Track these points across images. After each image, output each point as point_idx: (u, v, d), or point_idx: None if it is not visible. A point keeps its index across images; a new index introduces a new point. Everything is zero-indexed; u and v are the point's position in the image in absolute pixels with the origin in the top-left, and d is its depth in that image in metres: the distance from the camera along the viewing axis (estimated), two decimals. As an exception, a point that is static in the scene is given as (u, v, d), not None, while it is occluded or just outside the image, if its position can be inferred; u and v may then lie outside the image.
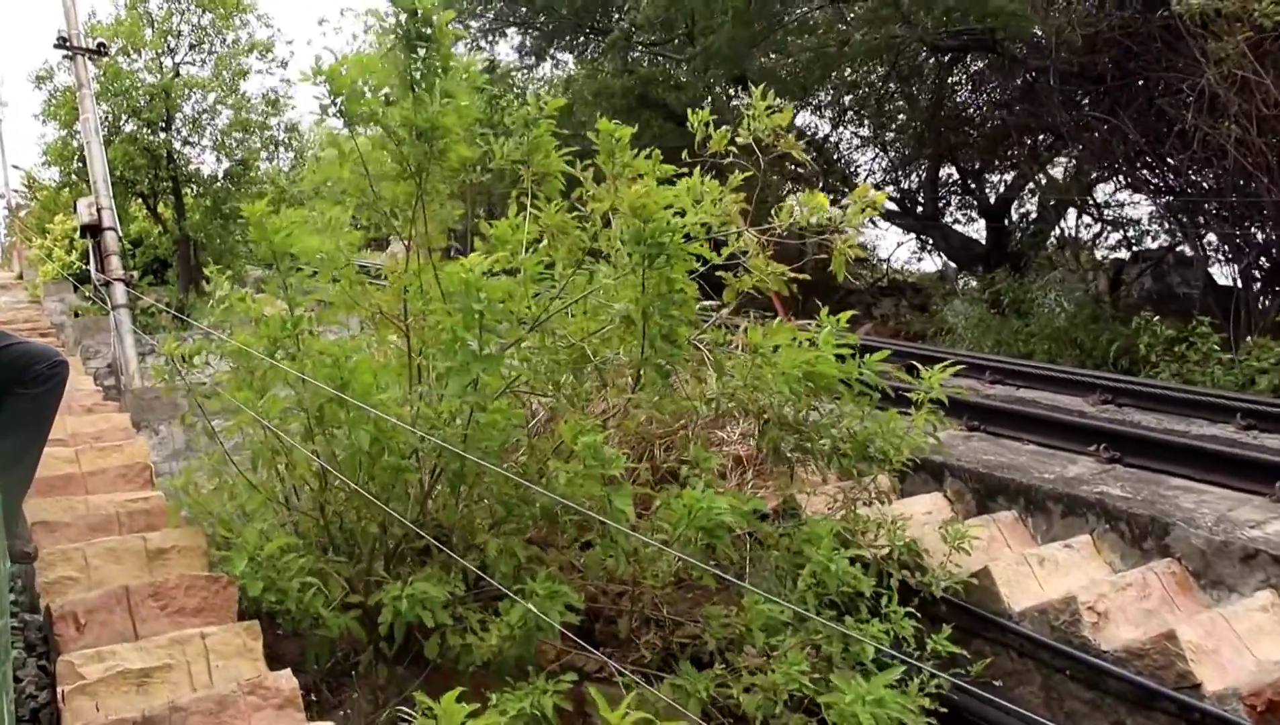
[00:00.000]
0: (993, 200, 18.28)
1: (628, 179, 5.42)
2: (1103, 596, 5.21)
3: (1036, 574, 5.65)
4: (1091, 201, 15.62)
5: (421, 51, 5.19)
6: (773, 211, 5.47)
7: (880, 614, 5.09)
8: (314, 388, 4.64)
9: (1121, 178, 14.24)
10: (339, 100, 5.06)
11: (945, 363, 5.69)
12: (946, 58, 16.87)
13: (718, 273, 5.72)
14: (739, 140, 5.39)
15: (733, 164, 5.67)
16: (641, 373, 5.04)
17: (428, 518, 5.05)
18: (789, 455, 5.67)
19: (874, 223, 20.26)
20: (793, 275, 5.59)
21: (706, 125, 5.38)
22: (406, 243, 5.26)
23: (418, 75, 5.18)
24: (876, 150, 20.54)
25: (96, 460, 6.34)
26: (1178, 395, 8.48)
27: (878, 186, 20.08)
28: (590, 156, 5.68)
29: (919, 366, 5.70)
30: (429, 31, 5.18)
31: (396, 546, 4.99)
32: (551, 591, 4.47)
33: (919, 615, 5.13)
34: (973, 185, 18.55)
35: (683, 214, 5.09)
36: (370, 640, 4.79)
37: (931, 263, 21.86)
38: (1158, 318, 11.37)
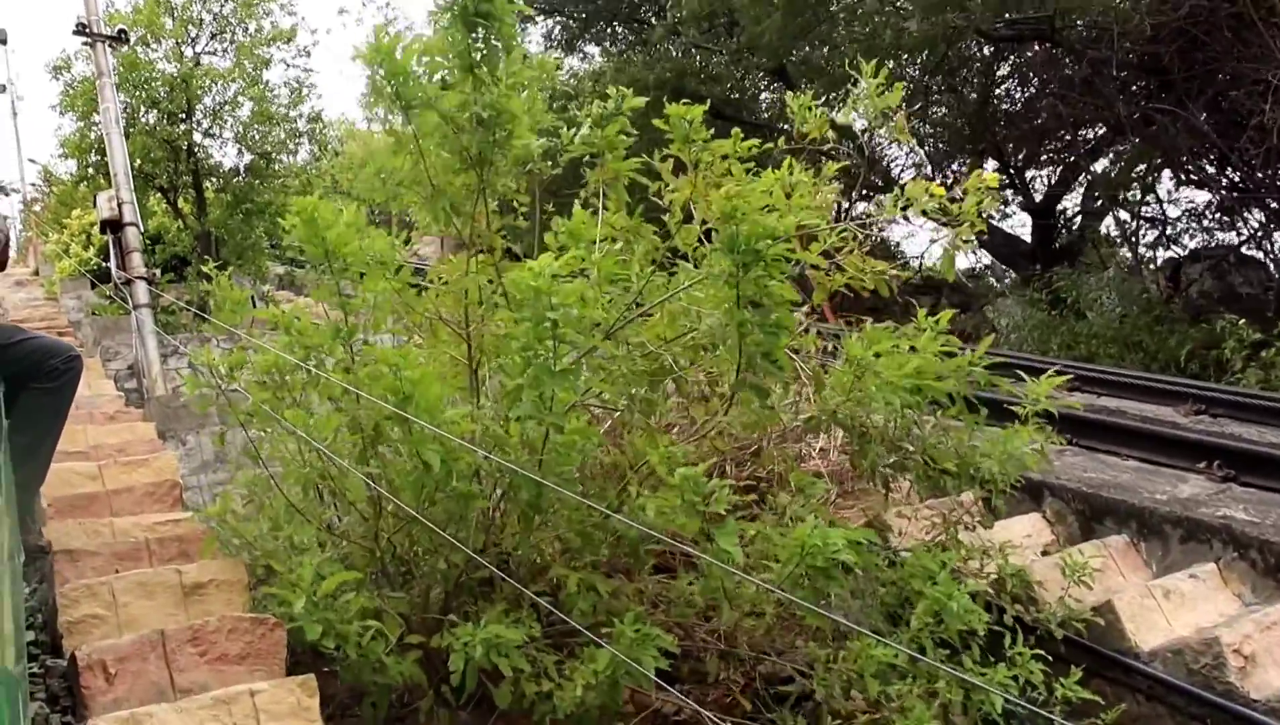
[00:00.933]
0: (1039, 196, 17.66)
1: (707, 165, 4.88)
2: (1247, 637, 4.65)
3: (1162, 607, 5.10)
4: (1152, 197, 15.00)
5: (480, 30, 4.66)
6: (876, 202, 4.91)
7: (1001, 655, 4.55)
8: (369, 403, 4.12)
9: (1183, 173, 13.62)
10: (394, 83, 4.52)
11: (1051, 371, 5.16)
12: (990, 50, 16.30)
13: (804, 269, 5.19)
14: (837, 124, 4.81)
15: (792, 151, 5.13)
16: (735, 394, 4.49)
17: (490, 546, 4.53)
18: (884, 472, 5.13)
19: (905, 218, 19.64)
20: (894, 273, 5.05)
21: (809, 109, 4.79)
22: (466, 241, 4.71)
23: (477, 57, 4.66)
24: (911, 145, 19.92)
25: (121, 476, 5.82)
26: (1283, 406, 7.83)
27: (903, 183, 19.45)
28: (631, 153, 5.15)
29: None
30: (488, 8, 4.64)
31: (459, 578, 4.46)
32: (642, 634, 3.93)
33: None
34: (1017, 181, 17.91)
35: (772, 210, 4.56)
36: (431, 684, 4.26)
37: (966, 260, 21.23)
38: (1242, 321, 10.67)
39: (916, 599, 4.59)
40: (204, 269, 5.61)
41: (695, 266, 4.82)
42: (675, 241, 5.14)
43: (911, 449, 5.03)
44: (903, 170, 20.19)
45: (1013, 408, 5.17)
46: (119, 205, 9.79)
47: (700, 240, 5.00)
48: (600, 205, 5.07)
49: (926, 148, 19.62)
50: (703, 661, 4.78)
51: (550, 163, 5.05)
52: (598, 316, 4.17)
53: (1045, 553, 5.80)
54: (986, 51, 16.68)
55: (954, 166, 19.13)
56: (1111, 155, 15.78)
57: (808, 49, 15.23)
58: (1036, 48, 15.16)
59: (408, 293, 4.63)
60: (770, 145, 4.96)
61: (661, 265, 5.04)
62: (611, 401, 4.95)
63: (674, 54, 17.74)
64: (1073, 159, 16.07)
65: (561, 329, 3.81)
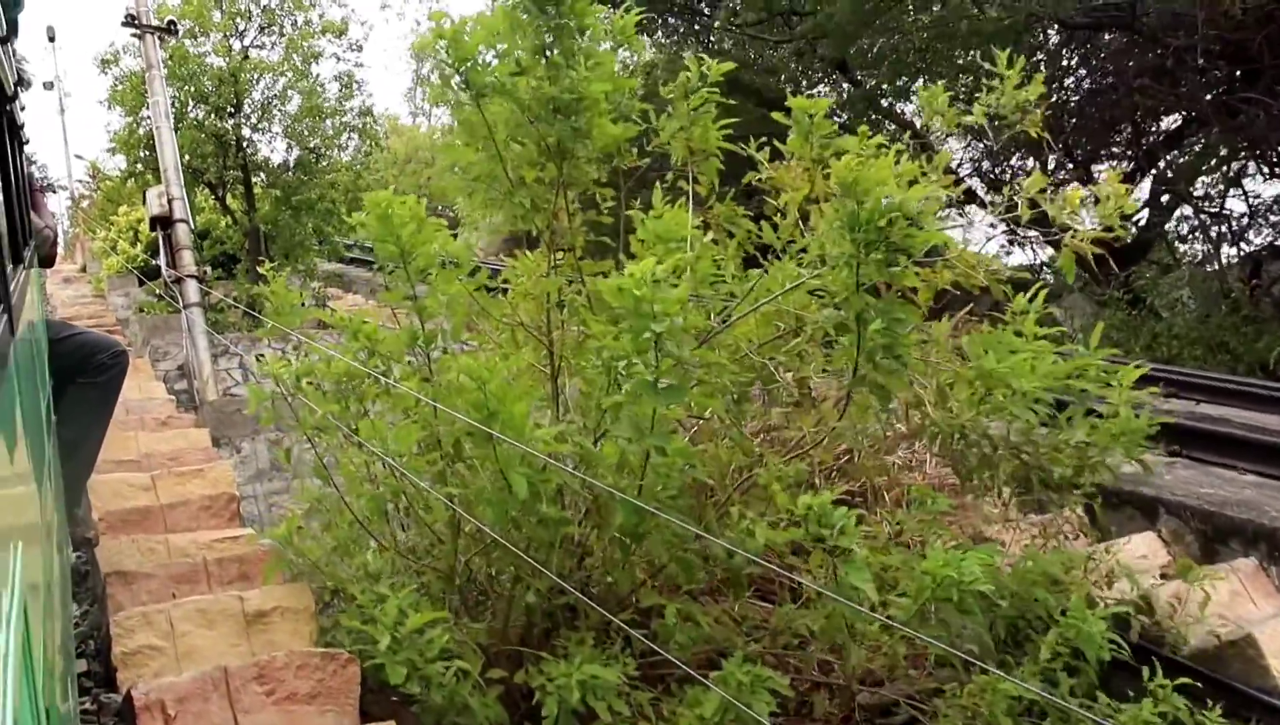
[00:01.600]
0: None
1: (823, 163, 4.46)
2: None
3: (1306, 641, 4.64)
4: (1238, 191, 14.34)
5: (552, 9, 4.27)
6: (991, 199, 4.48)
7: (1121, 685, 4.13)
8: (448, 417, 3.75)
9: (1268, 165, 12.99)
10: (462, 69, 4.14)
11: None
12: (1058, 38, 15.74)
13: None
14: (972, 116, 4.35)
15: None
16: (849, 396, 4.06)
17: (574, 571, 4.16)
18: (996, 484, 4.70)
19: (961, 213, 19.09)
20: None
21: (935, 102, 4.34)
22: (546, 239, 4.34)
23: (549, 39, 4.27)
24: (969, 138, 19.32)
25: (175, 488, 5.50)
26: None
27: (961, 177, 18.91)
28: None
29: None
30: (558, -14, 4.26)
31: (545, 609, 4.09)
32: (754, 676, 3.54)
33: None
34: (1082, 173, 17.28)
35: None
36: (514, 721, 3.90)
37: (1023, 256, 20.59)
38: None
39: (1035, 620, 4.19)
40: (260, 270, 5.39)
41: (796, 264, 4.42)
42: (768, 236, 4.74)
43: (1028, 458, 4.60)
44: (960, 162, 19.64)
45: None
46: (169, 201, 9.51)
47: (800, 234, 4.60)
48: (690, 187, 4.66)
49: (985, 141, 19.01)
50: (798, 688, 4.40)
51: (635, 150, 4.65)
52: (699, 323, 3.78)
53: (1164, 575, 5.35)
54: (1054, 40, 16.12)
55: (1013, 161, 18.55)
56: (1186, 147, 15.11)
57: (877, 38, 14.67)
58: (1106, 36, 14.61)
59: (483, 296, 4.25)
60: (919, 138, 4.54)
61: (749, 260, 4.65)
62: (700, 409, 4.56)
63: (729, 46, 17.26)
64: (1143, 151, 15.42)
65: (666, 341, 3.42)
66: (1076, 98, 15.94)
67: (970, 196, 16.44)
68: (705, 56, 4.58)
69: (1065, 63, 15.80)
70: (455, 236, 4.31)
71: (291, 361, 5.25)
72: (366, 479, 4.13)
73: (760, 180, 4.76)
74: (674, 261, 3.45)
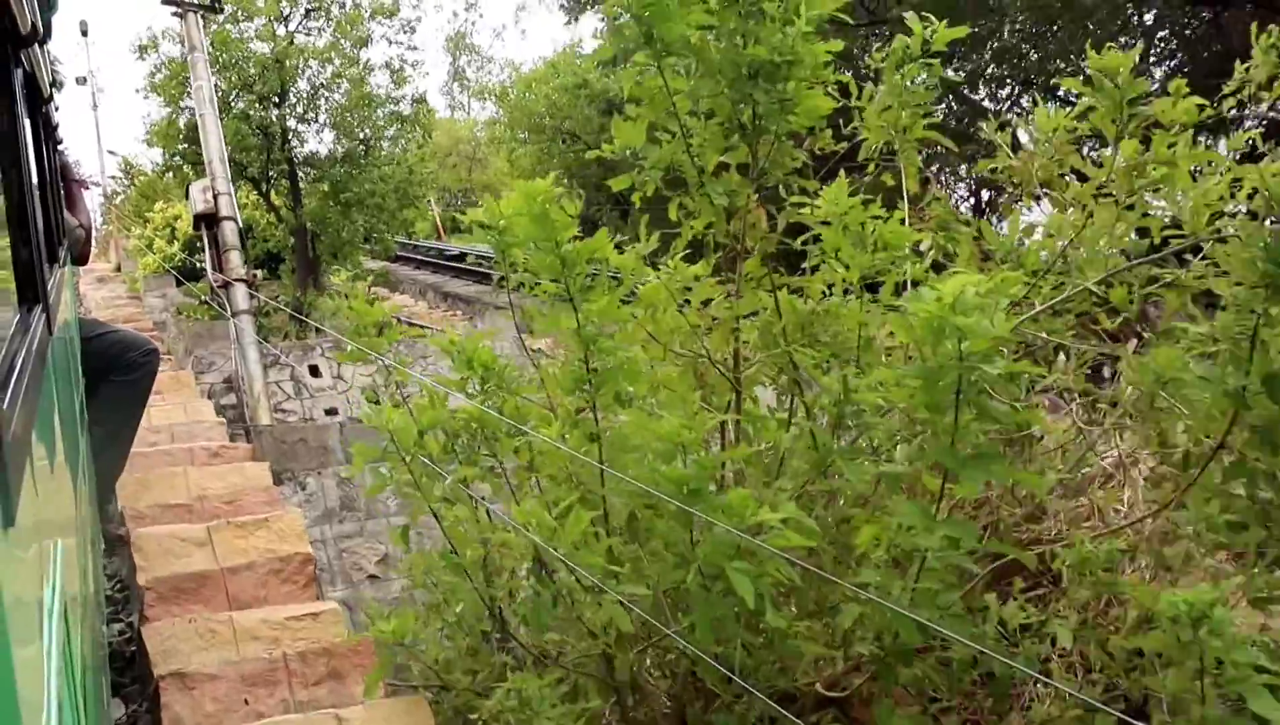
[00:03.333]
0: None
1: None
2: None
3: None
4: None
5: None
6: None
7: None
8: (617, 484, 2.76)
9: None
10: (643, 20, 3.10)
11: None
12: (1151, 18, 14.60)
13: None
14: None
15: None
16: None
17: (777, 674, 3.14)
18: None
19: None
20: None
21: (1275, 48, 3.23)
22: (738, 247, 3.30)
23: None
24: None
25: (237, 543, 4.53)
26: None
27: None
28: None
29: None
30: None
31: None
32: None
33: None
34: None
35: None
36: None
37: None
38: None
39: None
40: (335, 280, 4.52)
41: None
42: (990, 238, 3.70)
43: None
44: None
45: None
46: (214, 197, 8.54)
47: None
48: (904, 182, 3.65)
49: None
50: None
51: (830, 131, 3.61)
52: (1029, 369, 2.73)
53: None
54: (1149, 19, 15.04)
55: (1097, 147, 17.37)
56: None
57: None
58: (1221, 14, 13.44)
59: (663, 322, 3.23)
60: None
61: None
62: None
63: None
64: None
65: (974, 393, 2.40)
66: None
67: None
68: (930, 16, 3.53)
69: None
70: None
71: (381, 391, 4.34)
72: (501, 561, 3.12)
73: (994, 170, 3.73)
74: (999, 280, 2.39)
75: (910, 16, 3.61)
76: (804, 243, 3.48)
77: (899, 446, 2.77)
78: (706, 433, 2.74)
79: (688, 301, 3.34)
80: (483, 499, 3.03)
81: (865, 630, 2.75)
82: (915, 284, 3.43)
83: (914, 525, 2.54)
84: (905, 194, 3.67)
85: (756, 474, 3.11)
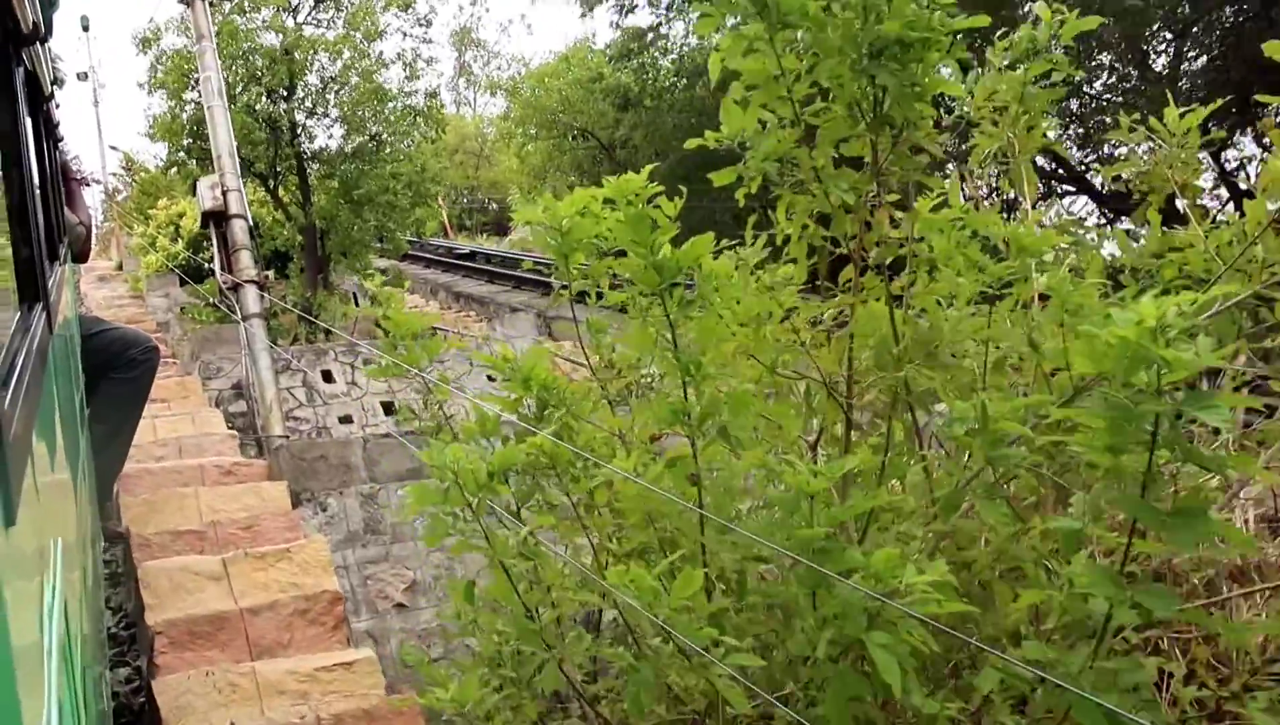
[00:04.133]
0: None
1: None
2: None
3: None
4: None
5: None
6: None
7: None
8: (739, 538, 2.30)
9: None
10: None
11: None
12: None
13: None
14: None
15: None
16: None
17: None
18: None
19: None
20: None
21: None
22: (851, 253, 2.84)
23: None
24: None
25: (256, 577, 4.08)
26: None
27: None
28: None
29: None
30: None
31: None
32: None
33: None
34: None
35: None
36: None
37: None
38: None
39: None
40: (368, 286, 4.22)
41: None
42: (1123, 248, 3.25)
43: None
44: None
45: None
46: (223, 193, 8.08)
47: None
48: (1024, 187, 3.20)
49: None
50: None
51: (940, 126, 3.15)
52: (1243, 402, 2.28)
53: None
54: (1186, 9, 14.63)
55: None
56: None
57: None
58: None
59: (764, 338, 2.77)
60: None
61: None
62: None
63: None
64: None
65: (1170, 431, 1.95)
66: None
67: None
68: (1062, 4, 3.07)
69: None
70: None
71: (419, 409, 3.94)
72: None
73: (1121, 179, 3.28)
74: (1200, 300, 1.94)
75: (1040, 5, 3.15)
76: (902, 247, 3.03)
77: (1074, 495, 2.30)
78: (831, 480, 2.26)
79: (789, 314, 2.88)
80: (560, 552, 2.57)
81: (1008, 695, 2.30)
82: (1044, 298, 3.00)
83: (1097, 592, 2.09)
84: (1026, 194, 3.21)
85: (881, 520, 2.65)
